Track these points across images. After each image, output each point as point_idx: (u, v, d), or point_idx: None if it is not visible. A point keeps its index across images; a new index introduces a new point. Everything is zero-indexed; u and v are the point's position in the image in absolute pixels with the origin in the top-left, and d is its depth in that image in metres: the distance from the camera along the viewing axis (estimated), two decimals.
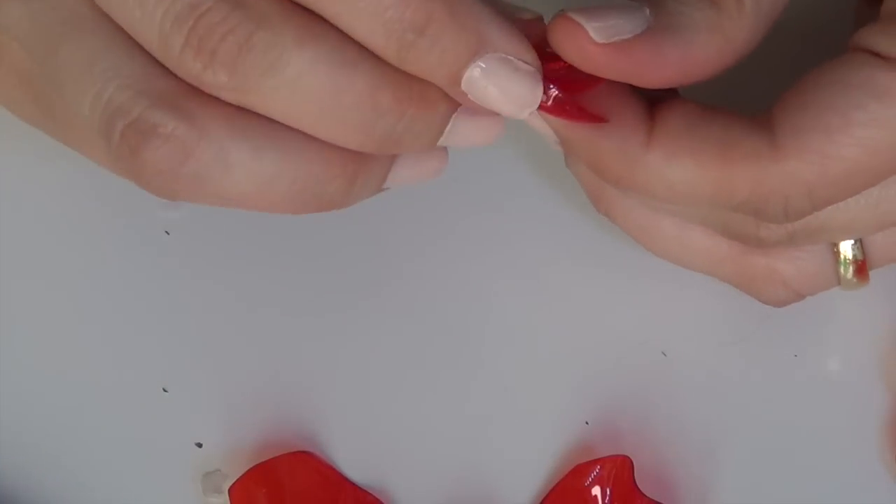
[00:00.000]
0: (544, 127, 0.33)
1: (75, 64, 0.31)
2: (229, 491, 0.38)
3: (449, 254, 0.41)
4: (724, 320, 0.40)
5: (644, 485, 0.38)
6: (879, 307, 0.40)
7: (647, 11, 0.32)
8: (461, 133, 0.33)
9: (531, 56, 0.31)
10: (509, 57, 0.31)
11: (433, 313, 0.40)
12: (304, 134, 0.31)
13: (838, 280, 0.37)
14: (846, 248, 0.36)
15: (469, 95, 0.31)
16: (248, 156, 0.31)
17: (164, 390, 0.40)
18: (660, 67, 0.32)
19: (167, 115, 0.30)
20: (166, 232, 0.40)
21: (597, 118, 0.32)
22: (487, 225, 0.41)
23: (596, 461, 0.39)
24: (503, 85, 0.31)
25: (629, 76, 0.32)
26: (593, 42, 0.31)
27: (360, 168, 0.32)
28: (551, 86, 0.32)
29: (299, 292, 0.40)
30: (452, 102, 0.32)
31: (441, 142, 0.33)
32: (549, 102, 0.32)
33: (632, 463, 0.38)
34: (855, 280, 0.36)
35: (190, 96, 0.31)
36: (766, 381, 0.40)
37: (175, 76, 0.31)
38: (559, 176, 0.41)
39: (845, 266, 0.36)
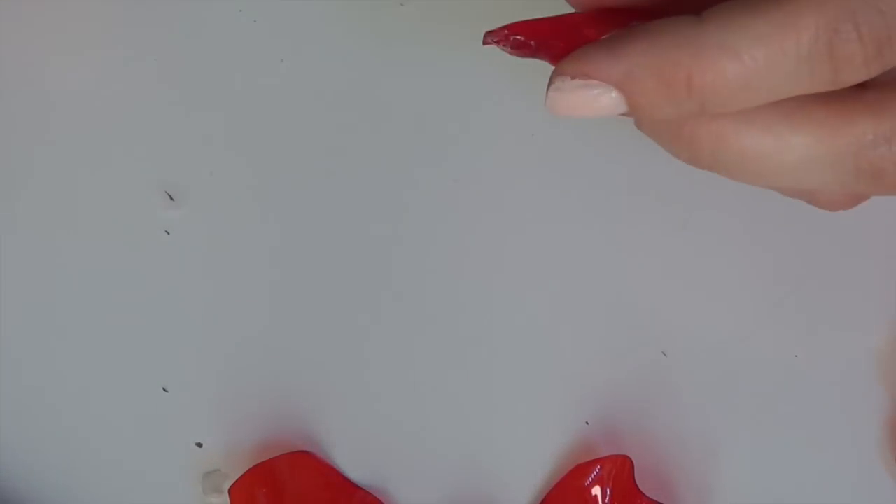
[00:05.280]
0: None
1: None
2: (229, 491, 0.38)
3: (449, 254, 0.41)
4: (724, 320, 0.40)
5: (644, 485, 0.38)
6: (879, 307, 0.40)
7: None
8: None
9: None
10: None
11: (433, 314, 0.40)
12: None
13: None
14: None
15: None
16: None
17: (164, 390, 0.40)
18: None
19: None
20: (166, 232, 0.40)
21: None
22: (488, 225, 0.41)
23: (596, 461, 0.39)
24: None
25: (641, 5, 0.32)
26: None
27: None
28: None
29: (299, 292, 0.40)
30: None
31: None
32: None
33: (632, 463, 0.38)
34: None
35: None
36: (766, 381, 0.40)
37: None
38: (560, 175, 0.41)
39: None
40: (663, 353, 0.40)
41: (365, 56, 0.42)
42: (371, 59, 0.42)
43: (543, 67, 0.34)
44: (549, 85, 0.32)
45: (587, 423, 0.40)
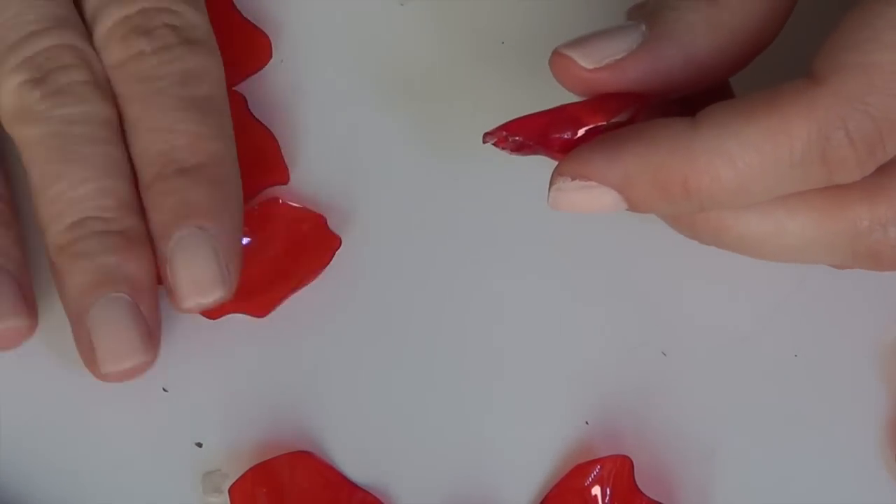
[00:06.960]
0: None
1: None
2: (229, 491, 0.38)
3: (449, 254, 0.41)
4: (724, 320, 0.40)
5: (644, 485, 0.38)
6: (879, 307, 0.40)
7: (644, 27, 0.33)
8: None
9: None
10: None
11: (433, 314, 0.40)
12: None
13: None
14: None
15: None
16: None
17: (164, 390, 0.40)
18: (662, 76, 0.33)
19: None
20: None
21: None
22: (488, 225, 0.41)
23: (596, 461, 0.39)
24: None
25: (637, 90, 0.33)
26: (584, 69, 0.33)
27: None
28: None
29: (298, 292, 0.40)
30: None
31: None
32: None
33: (632, 463, 0.38)
34: None
35: None
36: (766, 381, 0.40)
37: None
38: None
39: None
40: (663, 353, 0.40)
41: (364, 56, 0.42)
42: (370, 59, 0.42)
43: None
44: (551, 185, 0.33)
45: (587, 423, 0.40)
